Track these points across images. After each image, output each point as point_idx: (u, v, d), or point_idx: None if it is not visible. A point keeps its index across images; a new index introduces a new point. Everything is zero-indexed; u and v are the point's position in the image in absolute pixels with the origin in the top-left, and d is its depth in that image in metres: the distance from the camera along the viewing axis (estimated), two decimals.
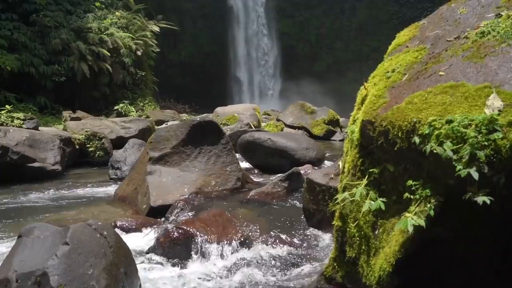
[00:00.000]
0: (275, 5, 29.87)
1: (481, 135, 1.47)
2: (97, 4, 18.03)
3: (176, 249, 3.58)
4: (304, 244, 3.60)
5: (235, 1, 29.83)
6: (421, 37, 2.35)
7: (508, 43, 1.80)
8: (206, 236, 3.59)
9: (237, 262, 3.36)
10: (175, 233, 3.64)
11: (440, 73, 1.88)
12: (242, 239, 3.61)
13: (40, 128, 9.41)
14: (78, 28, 16.23)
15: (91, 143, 9.09)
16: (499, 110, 1.52)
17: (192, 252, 3.52)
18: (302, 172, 5.28)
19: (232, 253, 3.50)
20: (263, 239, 3.64)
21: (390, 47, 2.55)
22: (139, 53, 18.12)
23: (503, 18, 1.97)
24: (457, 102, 1.65)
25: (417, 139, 1.66)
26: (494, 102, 1.55)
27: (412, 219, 1.65)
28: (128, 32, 18.18)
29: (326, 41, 30.20)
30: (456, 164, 1.48)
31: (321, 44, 30.31)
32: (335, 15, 29.92)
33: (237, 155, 6.34)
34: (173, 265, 3.45)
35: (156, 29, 20.23)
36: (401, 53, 2.30)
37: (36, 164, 7.41)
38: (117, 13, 18.74)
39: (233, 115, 12.75)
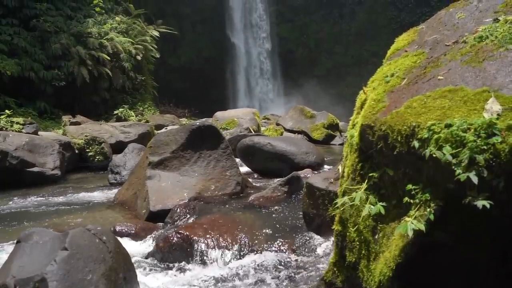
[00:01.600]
0: (274, 10, 29.90)
1: (480, 139, 1.47)
2: (97, 9, 18.09)
3: (175, 254, 3.57)
4: (304, 249, 3.59)
5: (238, 41, 28.11)
6: (420, 41, 2.36)
7: (506, 47, 1.80)
8: (205, 241, 3.58)
9: (236, 267, 3.34)
10: (175, 238, 3.63)
11: (439, 77, 1.89)
12: (241, 244, 3.60)
13: (39, 132, 9.41)
14: (78, 33, 16.28)
15: (90, 148, 9.09)
16: (498, 114, 1.52)
17: (192, 257, 3.51)
18: (301, 176, 5.27)
19: (231, 258, 3.48)
20: (262, 244, 3.63)
21: (389, 52, 2.56)
22: (139, 57, 18.15)
23: (500, 23, 1.98)
24: (456, 106, 1.66)
25: (416, 143, 1.66)
26: (493, 106, 1.55)
27: (412, 223, 1.65)
28: (128, 37, 18.22)
29: (326, 45, 30.26)
30: (455, 168, 1.48)
31: (321, 49, 30.36)
32: (334, 20, 30.02)
33: (237, 160, 6.33)
34: (173, 270, 3.44)
35: (156, 34, 20.28)
36: (400, 58, 2.31)
37: (35, 169, 7.40)
38: (117, 18, 18.80)
39: (232, 119, 12.75)
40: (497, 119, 1.50)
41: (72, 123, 11.75)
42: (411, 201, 1.74)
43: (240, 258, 3.47)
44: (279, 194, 4.84)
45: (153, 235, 4.13)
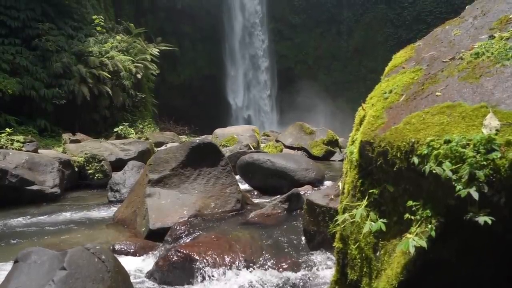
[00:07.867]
0: (273, 28, 30.33)
1: (479, 154, 1.47)
2: (98, 28, 18.34)
3: (175, 273, 3.52)
4: (305, 266, 3.54)
5: (233, 98, 28.67)
6: (417, 58, 2.38)
7: (503, 63, 1.82)
8: (205, 260, 3.54)
9: (237, 285, 3.30)
10: (174, 256, 3.59)
11: (437, 93, 1.90)
12: (242, 262, 3.56)
13: (39, 150, 9.41)
14: (79, 52, 16.46)
15: (90, 166, 9.07)
16: (497, 130, 1.52)
17: (192, 276, 3.46)
18: (302, 193, 5.25)
19: (232, 276, 3.44)
20: (263, 262, 3.59)
21: (387, 68, 2.58)
22: (139, 76, 18.31)
23: (496, 40, 2.01)
24: (455, 122, 1.66)
25: (416, 159, 1.66)
26: (491, 122, 1.56)
27: (414, 240, 1.63)
28: (128, 55, 18.42)
29: (324, 62, 30.62)
30: (455, 184, 1.48)
31: (319, 65, 30.71)
32: (332, 37, 30.45)
33: (237, 177, 6.32)
34: None
35: (156, 52, 20.51)
36: (397, 74, 2.33)
37: (34, 187, 7.37)
38: (117, 37, 19.04)
39: (232, 136, 12.77)
40: (496, 134, 1.51)
41: (72, 141, 11.77)
42: (412, 217, 1.73)
43: (240, 276, 3.43)
44: (279, 211, 4.81)
45: (153, 254, 4.09)
